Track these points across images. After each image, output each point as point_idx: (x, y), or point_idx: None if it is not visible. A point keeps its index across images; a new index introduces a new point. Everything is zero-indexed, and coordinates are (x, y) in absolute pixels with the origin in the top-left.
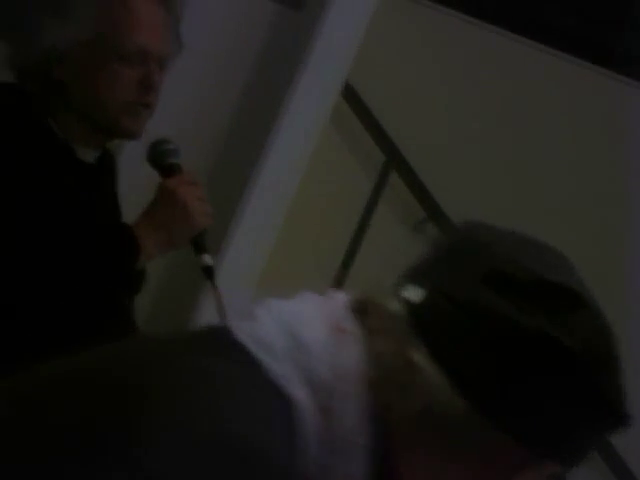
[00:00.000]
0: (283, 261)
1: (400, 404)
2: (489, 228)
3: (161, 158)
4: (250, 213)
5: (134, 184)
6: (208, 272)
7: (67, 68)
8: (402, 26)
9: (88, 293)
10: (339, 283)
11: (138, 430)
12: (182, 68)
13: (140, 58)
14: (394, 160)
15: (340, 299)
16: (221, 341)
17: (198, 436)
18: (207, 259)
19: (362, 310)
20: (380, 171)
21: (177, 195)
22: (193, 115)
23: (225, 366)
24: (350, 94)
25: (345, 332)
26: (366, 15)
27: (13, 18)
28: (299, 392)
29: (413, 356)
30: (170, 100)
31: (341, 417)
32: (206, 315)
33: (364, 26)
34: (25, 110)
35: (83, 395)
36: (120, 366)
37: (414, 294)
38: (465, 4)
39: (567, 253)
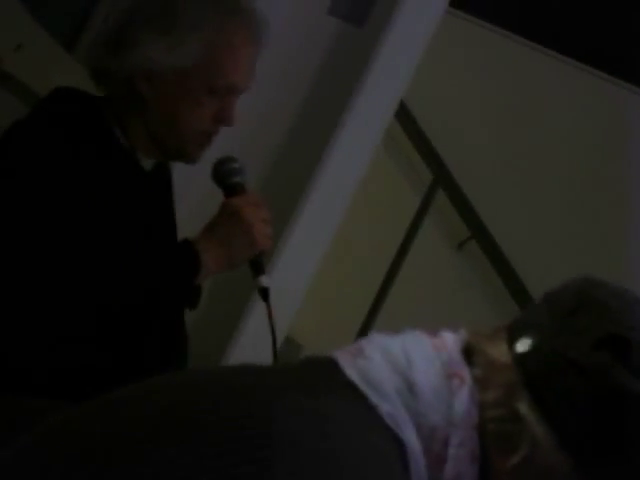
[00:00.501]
0: (330, 276)
1: (504, 452)
2: (603, 286)
3: (226, 177)
4: (302, 227)
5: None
6: (264, 294)
7: (154, 86)
8: (453, 45)
9: (148, 304)
10: (382, 298)
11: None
12: None
13: (225, 92)
14: (442, 178)
15: (451, 341)
16: (332, 380)
17: None
18: (264, 280)
19: (469, 354)
20: (427, 189)
21: (242, 215)
22: (249, 130)
23: (339, 408)
24: (401, 112)
25: (460, 379)
26: (427, 35)
27: (125, 31)
28: (411, 436)
29: (520, 408)
30: None
31: (453, 463)
32: (251, 332)
33: (424, 46)
34: (90, 114)
35: (193, 437)
36: (232, 405)
37: (526, 346)
38: (522, 27)
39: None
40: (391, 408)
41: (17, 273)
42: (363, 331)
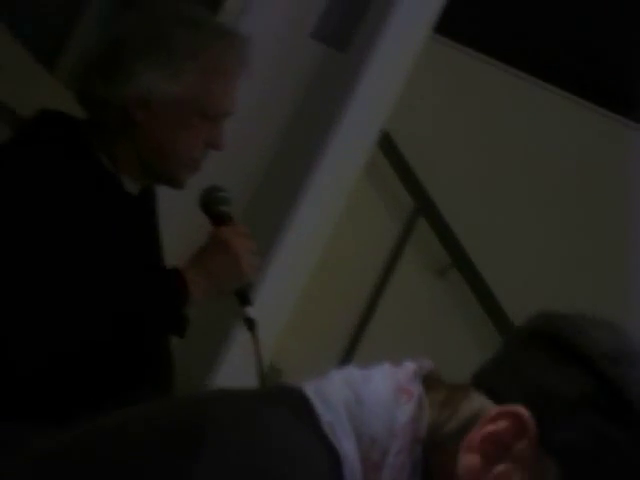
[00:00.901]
0: (312, 302)
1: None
2: (569, 319)
3: (214, 205)
4: (285, 253)
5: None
6: (250, 324)
7: (148, 113)
8: (436, 72)
9: (136, 332)
10: (364, 325)
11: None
12: None
13: (217, 118)
14: (423, 206)
15: (410, 367)
16: (285, 392)
17: (235, 470)
18: (250, 311)
19: (429, 383)
20: (409, 216)
21: (231, 245)
22: (230, 154)
23: (276, 410)
24: (383, 139)
25: (408, 394)
26: (410, 60)
27: (120, 59)
28: (346, 443)
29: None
30: None
31: (390, 471)
32: (236, 360)
33: (407, 72)
34: (75, 139)
35: (144, 438)
36: (182, 409)
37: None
38: (507, 54)
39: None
40: (332, 418)
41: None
42: (345, 357)
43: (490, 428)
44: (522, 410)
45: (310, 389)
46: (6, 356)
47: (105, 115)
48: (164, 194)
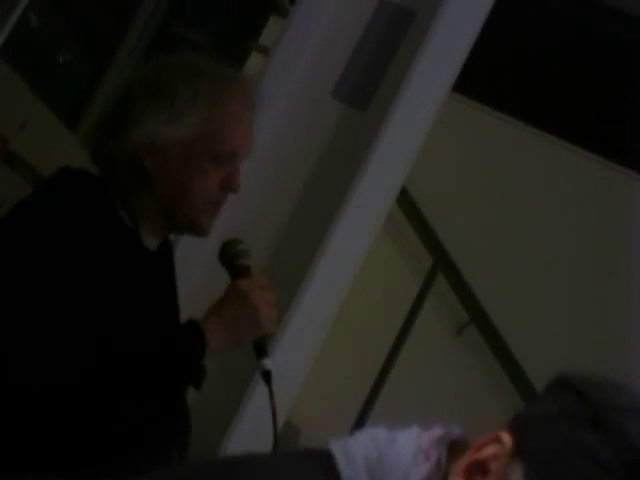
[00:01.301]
0: (330, 359)
1: None
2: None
3: (233, 258)
4: (303, 309)
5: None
6: (267, 376)
7: (158, 160)
8: (454, 130)
9: (154, 384)
10: (381, 380)
11: None
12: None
13: (230, 159)
14: (442, 263)
15: (437, 431)
16: (315, 453)
17: None
18: (267, 363)
19: (455, 449)
20: (427, 273)
21: (249, 297)
22: (250, 210)
23: (300, 465)
24: (402, 196)
25: (426, 455)
26: (429, 118)
27: (126, 111)
28: None
29: None
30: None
31: None
32: (253, 414)
33: (426, 130)
34: (94, 195)
35: None
36: (214, 475)
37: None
38: (524, 112)
39: None
40: (351, 472)
41: (22, 353)
42: (362, 415)
43: (475, 456)
44: (504, 435)
45: (336, 445)
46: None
47: (119, 169)
48: (186, 245)
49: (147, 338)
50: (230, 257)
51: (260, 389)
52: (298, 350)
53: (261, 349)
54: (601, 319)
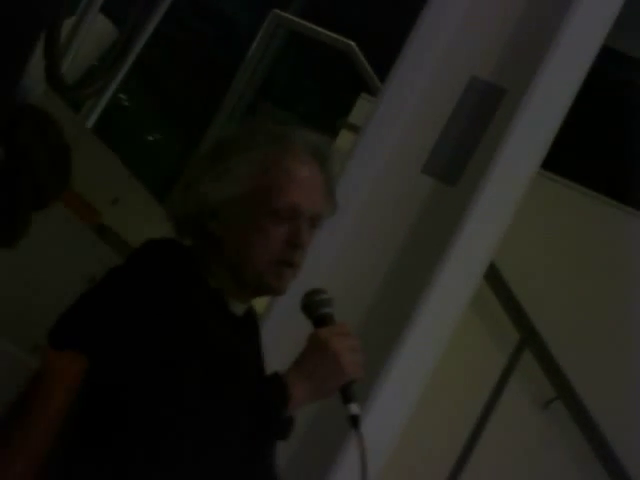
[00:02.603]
0: (416, 431)
1: None
2: None
3: (315, 308)
4: (392, 381)
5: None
6: (354, 421)
7: (220, 223)
8: (542, 206)
9: (238, 439)
10: (467, 455)
11: None
12: (337, 229)
13: (290, 215)
14: (529, 338)
15: None
16: None
17: None
18: (354, 408)
19: None
20: (514, 348)
21: (329, 345)
22: (341, 283)
23: None
24: (489, 270)
25: None
26: (519, 195)
27: (187, 177)
28: None
29: None
30: (324, 256)
31: None
32: (348, 463)
33: (515, 205)
34: (184, 263)
35: None
36: None
37: None
38: (611, 189)
39: None
40: None
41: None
42: None
43: None
44: None
45: None
46: None
47: (193, 236)
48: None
49: (229, 395)
50: (311, 306)
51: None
52: (384, 426)
53: (347, 394)
54: None
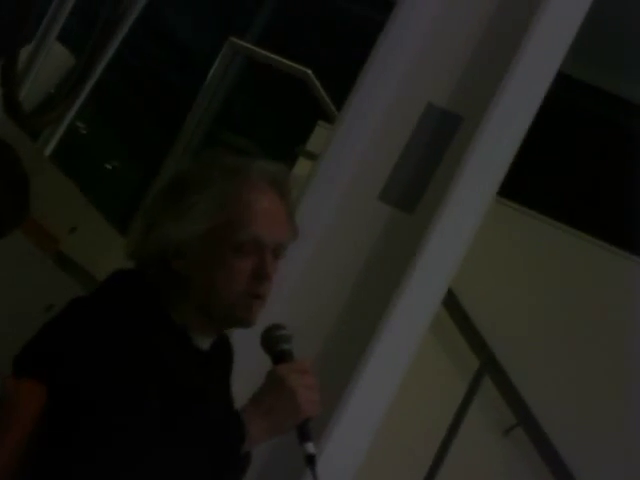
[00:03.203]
0: (377, 460)
1: None
2: None
3: (274, 344)
4: (350, 410)
5: (246, 367)
6: (310, 460)
7: (185, 261)
8: (499, 232)
9: (195, 475)
10: None
11: None
12: (295, 256)
13: (254, 248)
14: (488, 364)
15: None
16: None
17: None
18: (310, 447)
19: None
20: (474, 375)
21: (286, 383)
22: (299, 310)
23: None
24: (448, 298)
25: None
26: (476, 222)
27: (147, 214)
28: None
29: None
30: (283, 285)
31: None
32: None
33: (472, 232)
34: (148, 298)
35: None
36: None
37: None
38: (568, 215)
39: None
40: None
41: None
42: None
43: None
44: None
45: None
46: None
47: (156, 271)
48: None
49: (188, 430)
50: (271, 342)
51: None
52: (344, 453)
53: (303, 433)
54: None
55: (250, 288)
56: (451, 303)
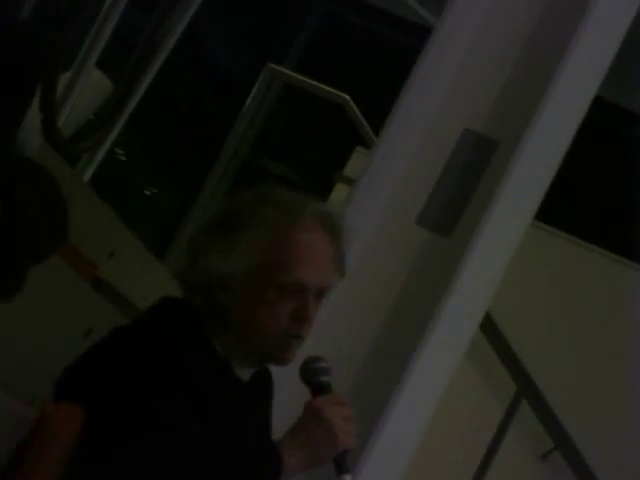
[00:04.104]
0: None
1: None
2: None
3: (312, 376)
4: (387, 436)
5: (287, 399)
6: None
7: (228, 293)
8: (537, 257)
9: None
10: None
11: None
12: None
13: (297, 290)
14: (526, 389)
15: None
16: None
17: None
18: (347, 479)
19: None
20: (511, 399)
21: (323, 415)
22: (336, 336)
23: None
24: (485, 321)
25: None
26: (513, 246)
27: (194, 243)
28: None
29: None
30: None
31: None
32: None
33: (509, 256)
34: (192, 328)
35: None
36: None
37: None
38: (606, 240)
39: None
40: None
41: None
42: None
43: None
44: None
45: None
46: None
47: (202, 301)
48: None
49: (226, 461)
50: (309, 374)
51: None
52: (382, 476)
53: (340, 465)
54: None
55: (290, 329)
56: (488, 327)
